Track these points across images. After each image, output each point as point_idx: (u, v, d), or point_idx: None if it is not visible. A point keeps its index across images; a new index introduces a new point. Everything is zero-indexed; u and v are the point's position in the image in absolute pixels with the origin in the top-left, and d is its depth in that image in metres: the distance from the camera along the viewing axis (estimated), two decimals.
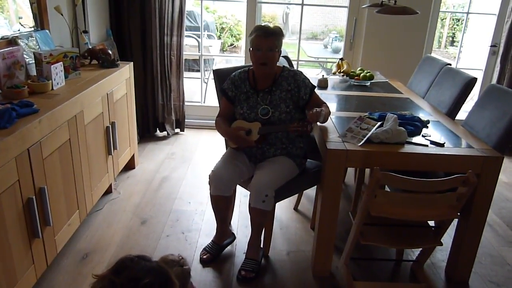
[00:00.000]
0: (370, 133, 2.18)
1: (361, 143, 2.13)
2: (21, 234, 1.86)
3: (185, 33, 4.08)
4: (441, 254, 2.57)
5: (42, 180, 1.98)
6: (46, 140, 1.99)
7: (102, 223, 2.73)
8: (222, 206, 2.41)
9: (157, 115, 4.18)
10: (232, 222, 2.78)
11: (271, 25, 2.31)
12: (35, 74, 2.44)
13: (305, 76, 2.39)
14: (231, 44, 9.85)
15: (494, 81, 4.29)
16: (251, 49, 2.30)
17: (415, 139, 2.24)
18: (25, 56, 2.44)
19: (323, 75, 3.43)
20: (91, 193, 2.59)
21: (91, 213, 2.79)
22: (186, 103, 4.29)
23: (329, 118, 2.41)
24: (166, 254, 1.79)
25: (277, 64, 2.37)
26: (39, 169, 1.95)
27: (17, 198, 1.80)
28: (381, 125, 2.25)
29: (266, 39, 2.24)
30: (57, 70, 2.41)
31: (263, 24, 2.35)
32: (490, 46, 4.41)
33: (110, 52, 3.12)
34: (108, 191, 3.05)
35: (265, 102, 2.32)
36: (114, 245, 2.51)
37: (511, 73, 4.15)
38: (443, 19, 9.81)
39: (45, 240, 2.05)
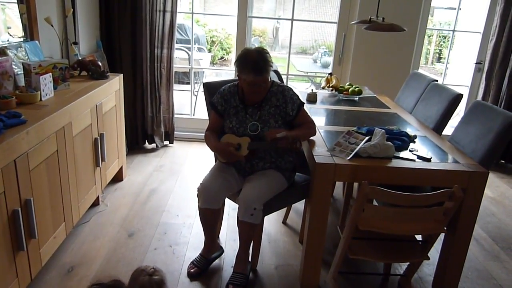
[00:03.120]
0: (359, 147, 2.21)
1: (349, 157, 2.15)
2: (5, 247, 1.82)
3: (176, 45, 4.10)
4: (428, 268, 2.58)
5: (28, 192, 1.95)
6: (33, 151, 1.97)
7: (88, 235, 2.70)
8: (211, 219, 2.40)
9: (146, 127, 4.17)
10: (220, 236, 2.76)
11: (256, 44, 2.30)
12: (24, 85, 2.42)
13: (294, 93, 2.39)
14: (221, 58, 9.90)
15: (479, 97, 4.37)
16: (241, 79, 2.26)
17: (403, 154, 2.26)
18: (13, 66, 2.43)
19: (312, 89, 3.46)
20: (78, 205, 2.56)
21: (77, 226, 2.75)
22: (175, 116, 4.29)
23: (316, 134, 2.42)
24: (143, 265, 1.77)
25: None
26: (26, 181, 1.92)
27: (2, 209, 1.77)
28: (369, 140, 2.27)
29: (261, 77, 2.23)
30: (46, 81, 2.40)
31: (248, 55, 2.23)
32: (476, 63, 4.50)
33: (100, 64, 3.12)
34: (96, 203, 3.02)
35: (255, 117, 2.32)
36: (101, 258, 2.48)
37: (496, 89, 4.24)
38: (430, 36, 10.00)
39: (30, 253, 2.01)
